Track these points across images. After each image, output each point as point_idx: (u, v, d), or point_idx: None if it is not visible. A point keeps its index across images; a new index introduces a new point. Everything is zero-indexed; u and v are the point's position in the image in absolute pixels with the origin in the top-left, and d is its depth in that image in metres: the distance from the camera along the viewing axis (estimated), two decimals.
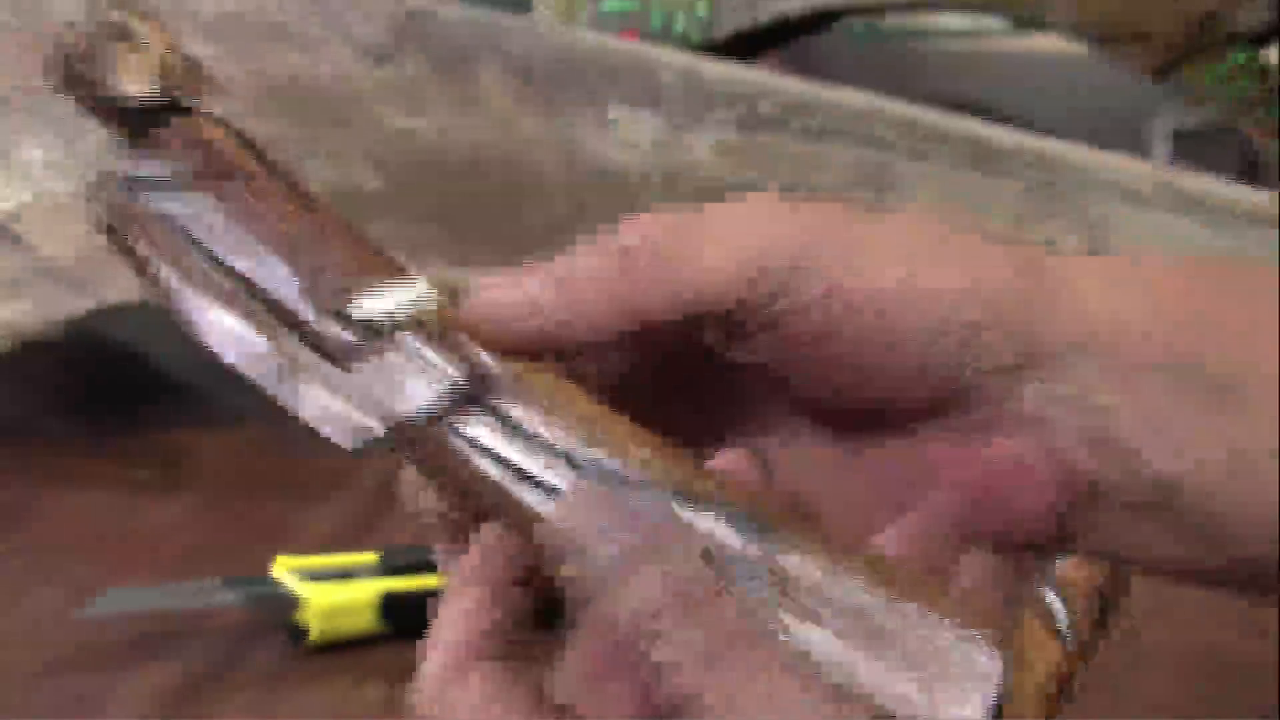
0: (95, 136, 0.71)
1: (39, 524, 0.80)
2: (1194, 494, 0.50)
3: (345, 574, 0.70)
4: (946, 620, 0.44)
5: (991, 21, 1.26)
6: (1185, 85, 1.05)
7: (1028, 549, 0.51)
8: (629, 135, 0.89)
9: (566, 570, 0.45)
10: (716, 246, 0.47)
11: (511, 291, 0.49)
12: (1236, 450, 0.49)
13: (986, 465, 0.50)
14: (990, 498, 0.50)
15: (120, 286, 0.76)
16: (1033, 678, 0.45)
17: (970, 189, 0.85)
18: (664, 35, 1.06)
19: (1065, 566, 0.46)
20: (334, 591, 0.71)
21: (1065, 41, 1.13)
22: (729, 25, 1.06)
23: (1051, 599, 0.45)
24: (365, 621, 0.71)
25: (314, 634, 0.70)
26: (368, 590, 0.70)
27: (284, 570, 0.71)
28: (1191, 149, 1.15)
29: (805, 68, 0.96)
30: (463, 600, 0.47)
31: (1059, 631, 0.45)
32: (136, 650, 0.70)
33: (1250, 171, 1.05)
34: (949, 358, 0.49)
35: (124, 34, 0.50)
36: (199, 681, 0.69)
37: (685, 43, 1.01)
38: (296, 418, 0.48)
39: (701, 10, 1.06)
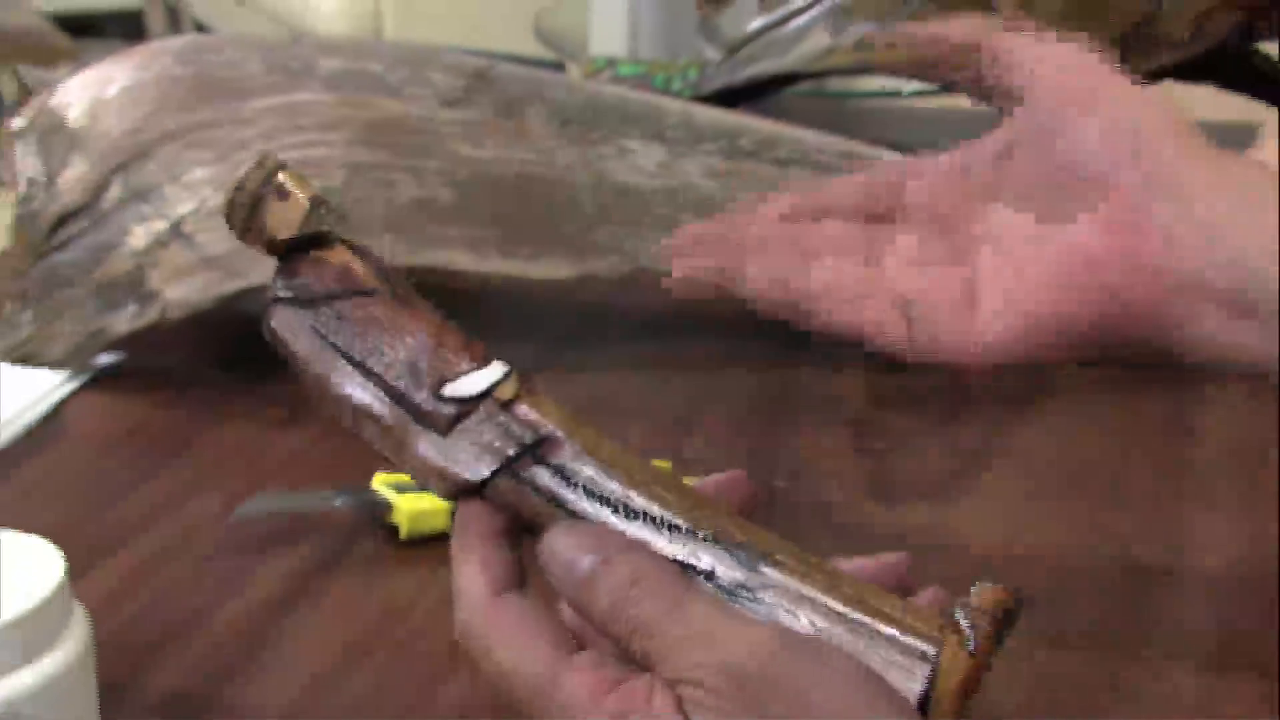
0: (244, 155, 0.82)
1: (200, 448, 0.85)
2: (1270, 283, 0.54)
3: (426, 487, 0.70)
4: (897, 631, 0.48)
5: (913, 84, 1.28)
6: None
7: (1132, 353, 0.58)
8: (640, 162, 0.92)
9: (555, 579, 0.49)
10: None
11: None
12: None
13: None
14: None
15: (260, 273, 0.77)
16: (949, 684, 0.47)
17: None
18: (664, 91, 1.11)
19: (977, 594, 0.48)
20: (418, 500, 0.75)
21: (971, 104, 1.21)
22: (711, 85, 1.11)
23: (964, 621, 0.47)
24: (442, 523, 0.75)
25: (403, 532, 0.75)
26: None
27: (381, 484, 0.76)
28: None
29: (768, 115, 0.97)
30: (485, 542, 0.51)
31: (968, 648, 0.47)
32: (272, 541, 0.75)
33: None
34: None
35: (278, 189, 0.54)
36: (319, 565, 0.74)
37: (680, 97, 1.04)
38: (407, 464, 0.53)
39: (692, 75, 1.12)
